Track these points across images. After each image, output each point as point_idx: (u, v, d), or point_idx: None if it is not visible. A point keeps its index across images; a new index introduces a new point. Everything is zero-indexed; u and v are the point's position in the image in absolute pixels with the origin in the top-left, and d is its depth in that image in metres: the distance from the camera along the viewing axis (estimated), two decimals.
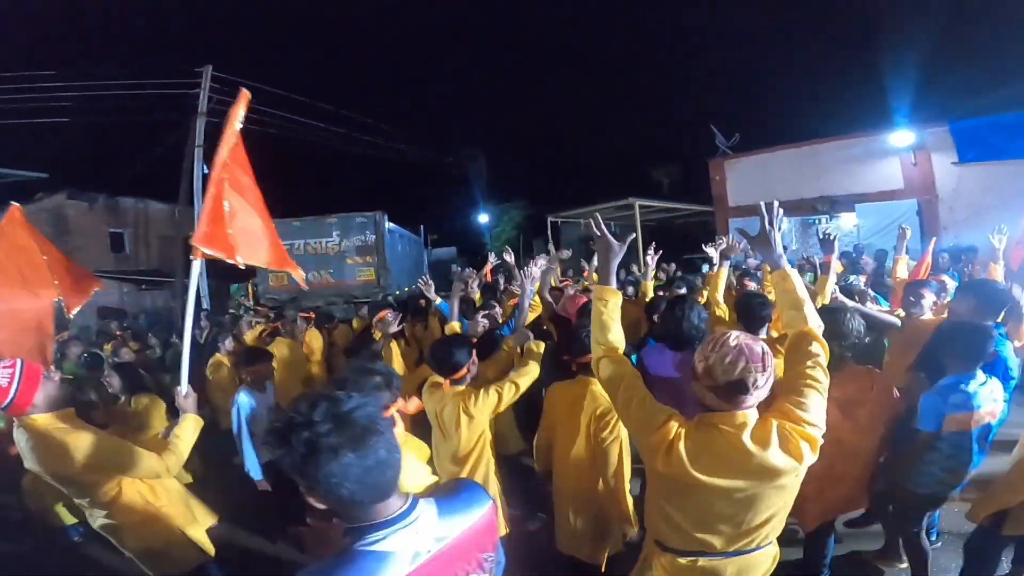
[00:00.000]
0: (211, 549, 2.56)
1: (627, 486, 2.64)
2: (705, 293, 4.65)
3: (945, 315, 3.42)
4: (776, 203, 1.85)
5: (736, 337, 1.53)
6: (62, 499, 3.56)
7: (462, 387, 2.63)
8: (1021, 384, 5.56)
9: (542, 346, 2.95)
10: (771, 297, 4.38)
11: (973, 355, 2.52)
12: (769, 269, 4.66)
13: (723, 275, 3.78)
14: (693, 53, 41.51)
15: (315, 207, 13.66)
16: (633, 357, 2.83)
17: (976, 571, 2.59)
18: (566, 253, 4.81)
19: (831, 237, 3.52)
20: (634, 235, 2.12)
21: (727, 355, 1.50)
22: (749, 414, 1.54)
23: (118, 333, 8.25)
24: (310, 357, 5.60)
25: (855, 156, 12.46)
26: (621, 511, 2.61)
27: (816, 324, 1.76)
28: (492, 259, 5.62)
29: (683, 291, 4.91)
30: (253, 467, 3.43)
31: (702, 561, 1.66)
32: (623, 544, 2.73)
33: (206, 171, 14.87)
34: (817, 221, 12.81)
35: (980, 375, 2.54)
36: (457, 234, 26.15)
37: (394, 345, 3.63)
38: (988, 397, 2.52)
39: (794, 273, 1.82)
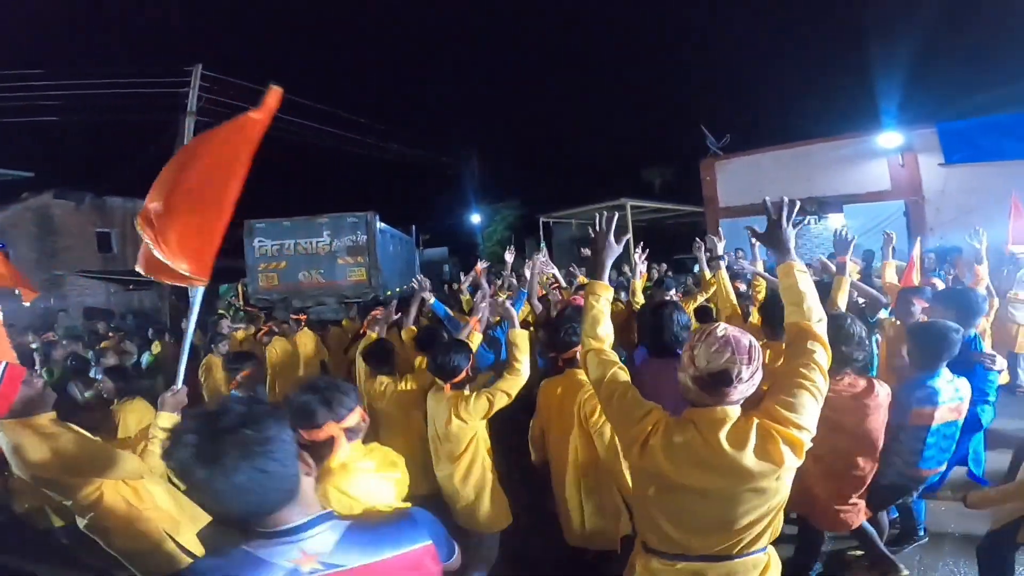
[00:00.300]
0: (201, 551, 2.55)
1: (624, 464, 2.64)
2: (699, 297, 4.64)
3: None
4: (795, 200, 1.81)
5: (724, 328, 1.53)
6: (48, 501, 3.52)
7: (458, 391, 2.75)
8: (1013, 386, 5.68)
9: (525, 336, 2.96)
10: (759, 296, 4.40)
11: (936, 353, 2.62)
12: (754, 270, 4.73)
13: (725, 278, 3.72)
14: (684, 54, 41.74)
15: (306, 207, 13.60)
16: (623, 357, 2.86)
17: None
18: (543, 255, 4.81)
19: (847, 237, 3.44)
20: (628, 236, 2.11)
21: (712, 344, 1.49)
22: (730, 411, 1.52)
23: (110, 335, 8.17)
24: (303, 359, 5.57)
25: (844, 157, 12.56)
26: (622, 483, 2.57)
27: (817, 320, 1.68)
28: (482, 263, 5.62)
29: (672, 292, 4.92)
30: None
31: (681, 565, 1.61)
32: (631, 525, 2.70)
33: None
34: (806, 221, 12.89)
35: (946, 372, 2.64)
36: (449, 234, 26.11)
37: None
38: (952, 395, 2.62)
39: (800, 266, 1.74)
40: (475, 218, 26.07)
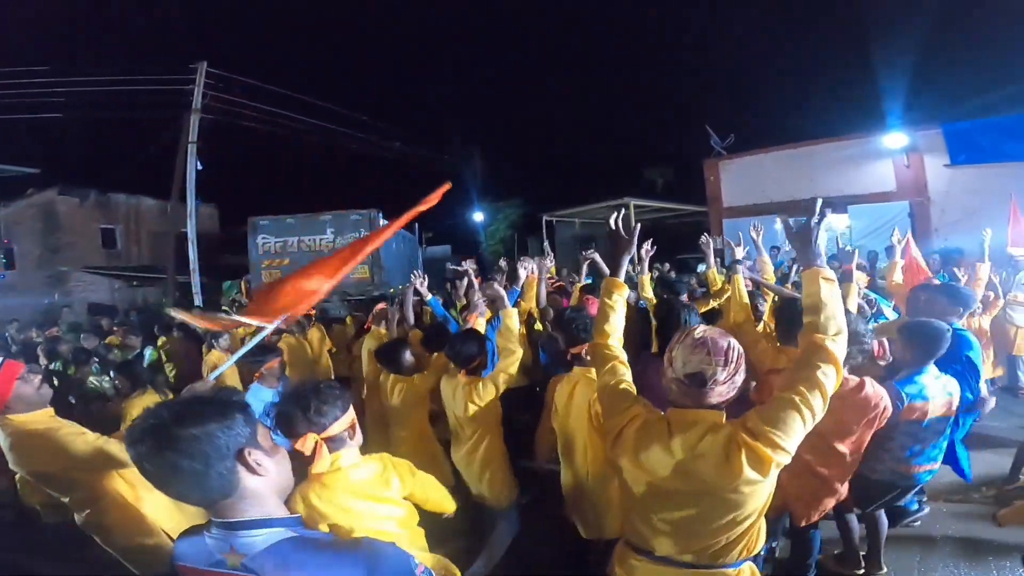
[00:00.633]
0: None
1: None
2: (712, 302, 4.58)
3: None
4: (820, 200, 1.73)
5: (703, 330, 1.54)
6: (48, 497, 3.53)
7: (473, 377, 2.94)
8: (1013, 387, 5.67)
9: (515, 315, 3.13)
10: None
11: (929, 352, 2.64)
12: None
13: (741, 283, 3.48)
14: (688, 54, 41.63)
15: (309, 204, 13.63)
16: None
17: None
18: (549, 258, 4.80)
19: (849, 248, 3.50)
20: (638, 225, 2.11)
21: (689, 346, 1.50)
22: (706, 414, 1.51)
23: (114, 330, 8.21)
24: (314, 355, 5.61)
25: (848, 157, 12.52)
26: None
27: (834, 333, 1.57)
28: (467, 264, 5.64)
29: (683, 297, 4.90)
30: None
31: (649, 563, 1.61)
32: None
33: (199, 167, 14.83)
34: (826, 223, 12.81)
35: (933, 369, 2.67)
36: (452, 232, 26.02)
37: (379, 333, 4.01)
38: (941, 391, 2.65)
39: (827, 273, 1.63)
40: (478, 216, 26.02)
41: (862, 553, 2.99)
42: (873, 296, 4.32)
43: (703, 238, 4.37)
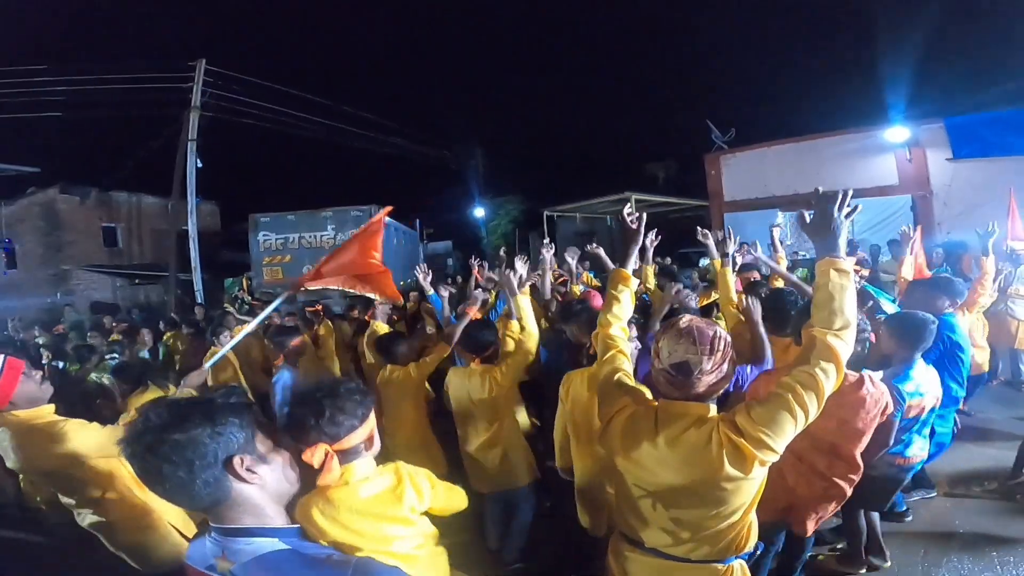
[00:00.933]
0: None
1: None
2: (714, 295, 4.58)
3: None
4: (848, 189, 1.63)
5: (688, 320, 1.53)
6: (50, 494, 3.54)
7: (488, 365, 3.01)
8: (1016, 382, 5.66)
9: (527, 299, 3.19)
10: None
11: (915, 344, 2.63)
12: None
13: (730, 275, 3.60)
14: (690, 48, 41.51)
15: (310, 201, 13.61)
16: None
17: None
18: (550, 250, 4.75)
19: (852, 242, 3.51)
20: (643, 215, 2.15)
21: (675, 336, 1.49)
22: (693, 407, 1.50)
23: (114, 325, 8.24)
24: (322, 352, 5.62)
25: (850, 151, 12.49)
26: None
27: (839, 327, 1.50)
28: (476, 262, 5.62)
29: (680, 287, 4.89)
30: None
31: (638, 553, 1.63)
32: None
33: (199, 165, 14.82)
34: (858, 210, 12.75)
35: (921, 361, 2.68)
36: (453, 228, 26.01)
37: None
38: (931, 384, 2.68)
39: (841, 265, 1.54)
40: (479, 212, 26.00)
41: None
42: (871, 290, 4.30)
43: (701, 232, 4.31)
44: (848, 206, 1.60)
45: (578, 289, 4.96)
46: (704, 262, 7.72)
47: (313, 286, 3.01)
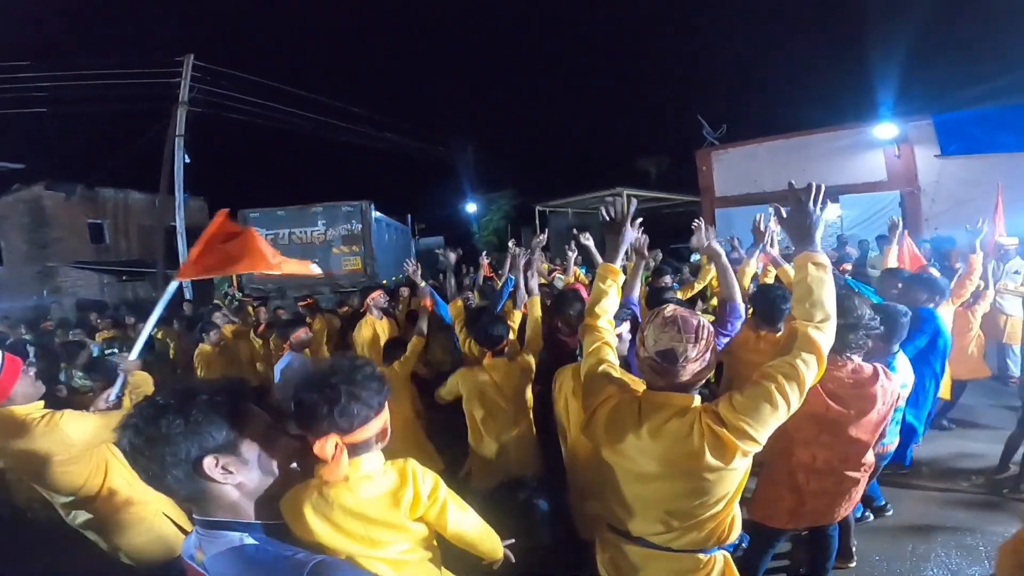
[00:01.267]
0: None
1: None
2: (697, 286, 4.64)
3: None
4: (821, 183, 1.64)
5: (673, 309, 1.55)
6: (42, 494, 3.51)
7: (501, 358, 3.08)
8: (1003, 376, 5.72)
9: (536, 302, 3.33)
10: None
11: (887, 335, 2.63)
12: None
13: (713, 271, 3.69)
14: (681, 44, 41.49)
15: (300, 196, 13.52)
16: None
17: None
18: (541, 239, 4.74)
19: (842, 237, 3.52)
20: (640, 219, 2.13)
21: (660, 325, 1.51)
22: (676, 397, 1.52)
23: (98, 321, 8.17)
24: (312, 345, 5.63)
25: (840, 148, 12.57)
26: None
27: (820, 319, 1.53)
28: (485, 258, 5.60)
29: (667, 279, 4.91)
30: None
31: (622, 542, 1.67)
32: None
33: (187, 160, 14.67)
34: (834, 212, 12.89)
35: (900, 354, 2.75)
36: (445, 223, 25.94)
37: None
38: (908, 374, 2.74)
39: (819, 259, 1.57)
40: (471, 207, 25.96)
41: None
42: (852, 285, 4.33)
43: (695, 222, 4.31)
44: (823, 202, 1.63)
45: (571, 280, 5.00)
46: (696, 257, 7.73)
47: (198, 276, 2.84)
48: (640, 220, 2.17)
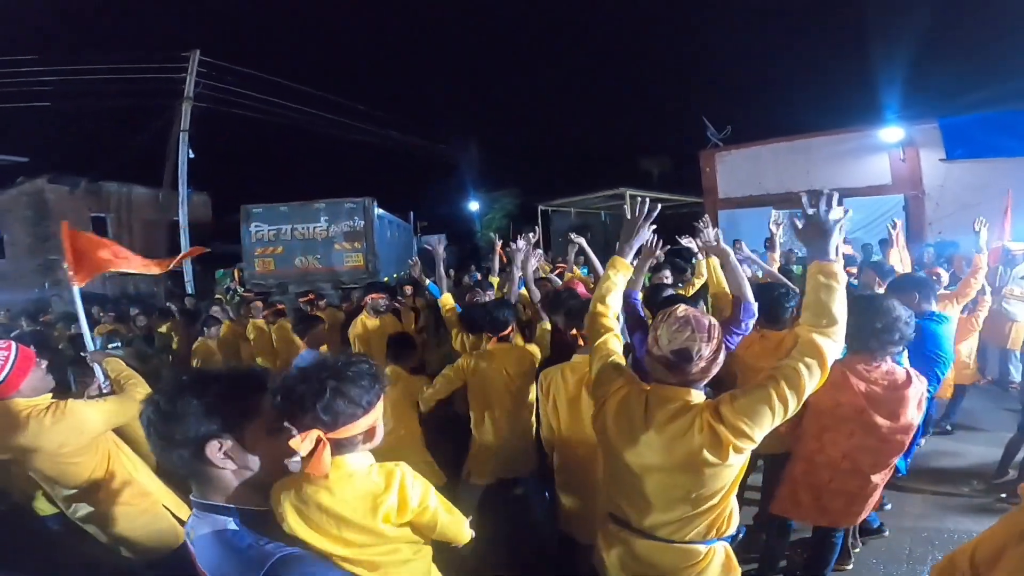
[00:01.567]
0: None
1: None
2: (697, 282, 4.62)
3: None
4: (833, 191, 1.66)
5: (685, 310, 1.60)
6: (41, 488, 3.50)
7: (506, 343, 3.10)
8: (1004, 382, 5.70)
9: (548, 326, 3.37)
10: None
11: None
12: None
13: (716, 265, 3.60)
14: (686, 45, 41.41)
15: (303, 192, 13.52)
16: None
17: None
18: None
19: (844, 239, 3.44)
20: (655, 226, 2.18)
21: (674, 324, 1.55)
22: (682, 391, 1.58)
23: (100, 314, 8.19)
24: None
25: (844, 151, 12.52)
26: None
27: (825, 324, 1.54)
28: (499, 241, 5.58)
29: (666, 274, 4.91)
30: None
31: (625, 533, 1.71)
32: None
33: (192, 156, 14.69)
34: (848, 215, 12.79)
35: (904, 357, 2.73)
36: (447, 221, 25.88)
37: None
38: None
39: (832, 268, 1.58)
40: (473, 205, 25.94)
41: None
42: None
43: (700, 221, 4.28)
44: (838, 211, 1.65)
45: (570, 276, 5.04)
46: (701, 257, 7.70)
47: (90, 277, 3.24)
48: (654, 226, 2.17)
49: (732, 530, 1.67)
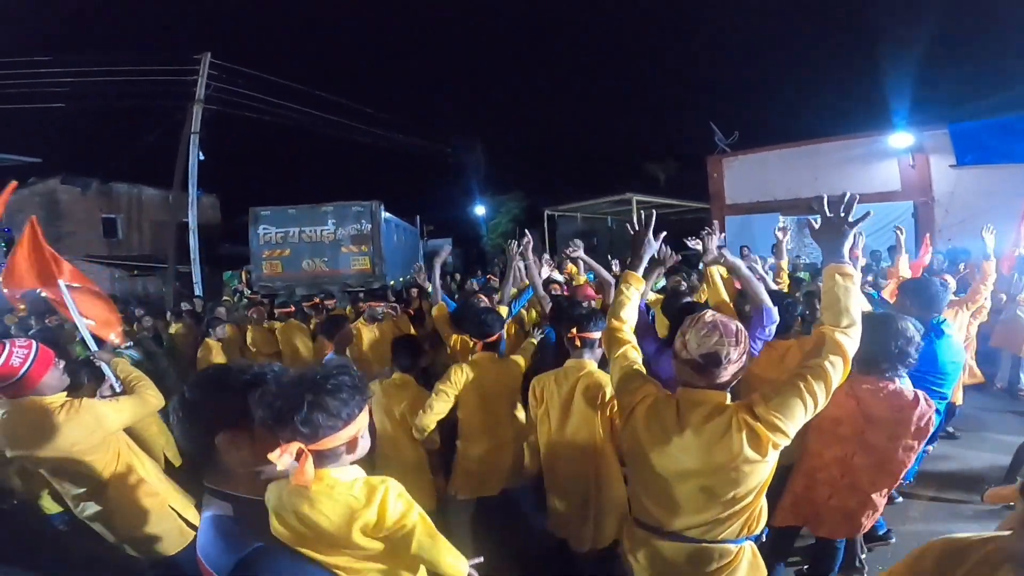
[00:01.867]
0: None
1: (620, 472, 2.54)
2: (703, 296, 4.60)
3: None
4: (855, 194, 1.68)
5: (712, 315, 1.63)
6: (48, 487, 3.52)
7: (492, 351, 3.06)
8: (1013, 389, 5.65)
9: (535, 341, 3.36)
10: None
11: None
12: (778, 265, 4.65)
13: (716, 274, 3.57)
14: (694, 50, 41.43)
15: (311, 195, 13.59)
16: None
17: None
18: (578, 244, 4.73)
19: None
20: (664, 233, 2.23)
21: (702, 329, 1.59)
22: (712, 394, 1.61)
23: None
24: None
25: (853, 157, 12.47)
26: (613, 495, 2.54)
27: (846, 325, 1.60)
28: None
29: (684, 285, 4.89)
30: None
31: (655, 538, 1.73)
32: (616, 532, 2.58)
33: (202, 158, 14.80)
34: (870, 214, 12.70)
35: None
36: (453, 225, 25.95)
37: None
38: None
39: (847, 270, 1.65)
40: (480, 210, 25.98)
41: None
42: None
43: (706, 229, 4.26)
44: (855, 214, 1.69)
45: (581, 280, 5.04)
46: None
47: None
48: (664, 234, 2.20)
49: (759, 529, 1.70)
